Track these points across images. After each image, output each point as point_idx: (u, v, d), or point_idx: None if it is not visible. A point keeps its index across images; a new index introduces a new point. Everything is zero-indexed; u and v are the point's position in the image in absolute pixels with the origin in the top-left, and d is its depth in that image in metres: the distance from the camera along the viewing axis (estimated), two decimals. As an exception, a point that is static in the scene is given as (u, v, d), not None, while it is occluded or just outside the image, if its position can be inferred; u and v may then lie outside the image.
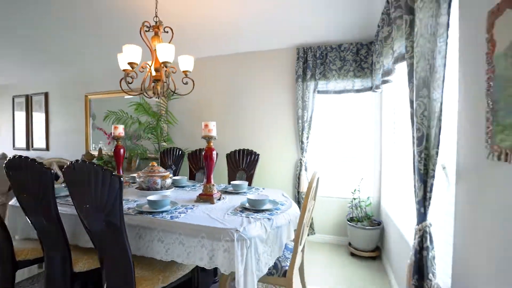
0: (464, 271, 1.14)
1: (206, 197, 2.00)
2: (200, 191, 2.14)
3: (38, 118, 5.40)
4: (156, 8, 2.28)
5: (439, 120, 1.24)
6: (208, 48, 3.60)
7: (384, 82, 2.31)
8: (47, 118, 5.29)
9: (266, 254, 1.56)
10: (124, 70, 2.07)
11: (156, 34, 2.23)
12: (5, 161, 1.66)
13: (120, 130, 2.57)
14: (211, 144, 2.03)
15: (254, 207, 1.80)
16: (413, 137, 1.36)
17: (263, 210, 1.78)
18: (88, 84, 4.74)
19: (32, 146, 5.55)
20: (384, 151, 3.06)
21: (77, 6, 2.74)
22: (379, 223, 2.94)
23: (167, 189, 2.26)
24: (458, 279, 1.20)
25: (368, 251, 2.89)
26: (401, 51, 1.69)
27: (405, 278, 1.50)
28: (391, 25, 1.97)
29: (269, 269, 1.67)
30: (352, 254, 2.99)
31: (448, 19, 1.19)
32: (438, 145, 1.24)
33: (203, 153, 2.06)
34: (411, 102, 1.38)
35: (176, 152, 3.35)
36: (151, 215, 1.62)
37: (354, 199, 3.07)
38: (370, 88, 3.07)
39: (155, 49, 2.17)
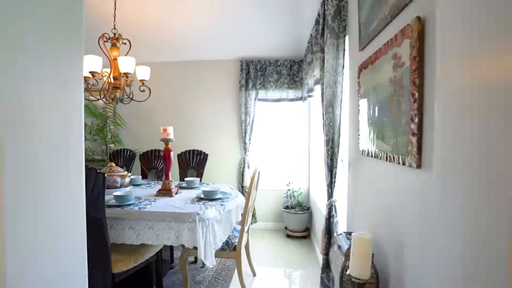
0: (353, 225, 1.75)
1: (165, 192, 2.31)
2: (156, 188, 2.46)
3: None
4: (114, 21, 2.48)
5: (339, 129, 1.84)
6: (162, 54, 3.81)
7: (309, 96, 2.95)
8: None
9: (220, 232, 1.98)
10: (85, 77, 2.24)
11: (115, 45, 2.43)
12: None
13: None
14: (169, 145, 2.36)
15: (208, 197, 2.20)
16: (324, 140, 1.95)
17: (216, 199, 2.20)
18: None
19: None
20: (311, 150, 3.75)
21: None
22: (308, 208, 3.61)
23: (125, 187, 2.49)
24: (349, 230, 1.81)
25: (300, 232, 3.53)
26: (318, 77, 2.29)
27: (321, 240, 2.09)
28: (312, 54, 2.59)
29: (222, 245, 2.09)
30: (288, 236, 3.60)
31: (343, 62, 1.79)
32: (339, 145, 1.85)
33: (161, 153, 2.37)
34: (322, 115, 1.96)
35: (126, 153, 3.50)
36: (120, 208, 1.89)
37: (289, 190, 3.69)
38: (301, 98, 3.72)
39: (114, 59, 2.39)
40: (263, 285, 2.49)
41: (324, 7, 2.00)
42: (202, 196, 2.23)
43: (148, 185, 2.78)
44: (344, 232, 1.45)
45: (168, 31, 3.30)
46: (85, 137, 3.84)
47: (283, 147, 4.01)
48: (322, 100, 2.00)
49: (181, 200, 2.14)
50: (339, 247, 1.36)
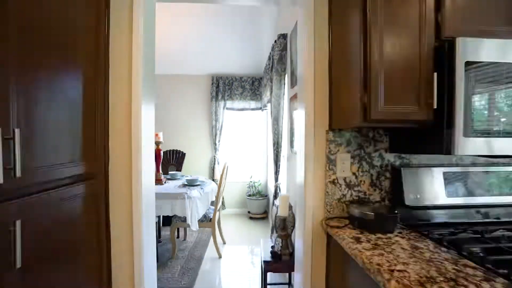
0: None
1: (157, 181, 3.07)
2: (150, 179, 3.21)
3: None
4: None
5: (281, 135, 2.78)
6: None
7: (265, 108, 3.89)
8: None
9: (201, 207, 2.82)
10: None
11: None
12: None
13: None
14: (160, 146, 3.13)
15: (190, 184, 3.02)
16: (272, 143, 2.89)
17: (196, 185, 3.03)
18: None
19: None
20: (268, 149, 4.70)
21: None
22: (266, 196, 4.56)
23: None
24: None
25: (260, 214, 4.47)
26: (268, 98, 3.23)
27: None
28: (266, 81, 3.53)
29: (202, 217, 2.93)
30: (250, 218, 4.51)
31: (283, 92, 2.74)
32: (281, 146, 2.79)
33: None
34: (272, 125, 2.90)
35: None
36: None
37: (250, 181, 4.61)
38: (260, 108, 4.66)
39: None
40: (231, 249, 3.36)
41: (273, 52, 2.94)
42: (186, 183, 3.04)
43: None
44: (281, 199, 2.39)
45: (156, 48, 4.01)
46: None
47: (246, 147, 4.92)
48: (271, 115, 2.94)
49: (171, 187, 2.94)
50: (277, 206, 2.30)
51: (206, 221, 3.03)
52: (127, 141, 1.32)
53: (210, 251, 3.24)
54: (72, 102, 1.01)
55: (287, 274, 2.24)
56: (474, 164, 1.35)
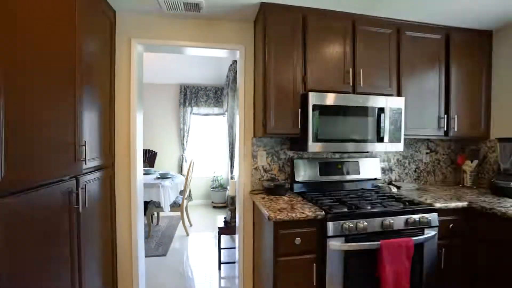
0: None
1: (134, 175, 3.76)
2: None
3: None
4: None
5: (235, 138, 3.63)
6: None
7: (226, 113, 4.71)
8: None
9: (172, 194, 3.58)
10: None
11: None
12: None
13: None
14: (136, 147, 3.81)
15: (163, 177, 3.76)
16: (228, 143, 3.73)
17: (168, 177, 3.77)
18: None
19: None
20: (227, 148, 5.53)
21: None
22: (227, 188, 5.39)
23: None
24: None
25: (222, 203, 5.28)
26: (227, 107, 4.06)
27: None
28: (226, 91, 4.35)
29: (172, 203, 3.68)
30: (214, 207, 5.32)
31: (237, 104, 3.58)
32: (235, 147, 3.64)
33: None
34: (228, 130, 3.74)
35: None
36: (112, 183, 3.31)
37: (214, 176, 5.41)
38: (222, 114, 5.47)
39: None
40: (197, 230, 4.14)
41: (229, 72, 3.78)
42: (159, 176, 3.77)
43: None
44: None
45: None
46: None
47: (210, 146, 5.70)
48: (228, 121, 3.78)
49: (147, 179, 3.65)
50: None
51: (176, 206, 3.79)
52: (126, 142, 2.07)
53: (179, 231, 4.01)
54: (97, 118, 1.75)
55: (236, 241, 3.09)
56: (332, 158, 2.31)
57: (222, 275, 2.79)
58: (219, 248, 2.87)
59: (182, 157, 5.42)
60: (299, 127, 1.89)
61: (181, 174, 5.40)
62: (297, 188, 2.17)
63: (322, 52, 1.95)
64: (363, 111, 1.93)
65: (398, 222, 1.66)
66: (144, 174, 4.22)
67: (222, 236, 3.09)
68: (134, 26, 2.07)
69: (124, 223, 2.11)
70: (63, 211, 1.30)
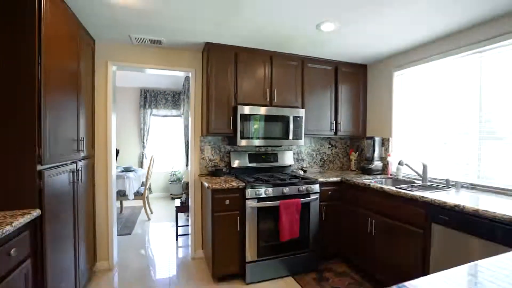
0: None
1: (100, 169, 4.32)
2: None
3: None
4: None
5: (189, 137, 4.39)
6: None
7: (183, 115, 5.42)
8: None
9: (135, 184, 4.22)
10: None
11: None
12: None
13: None
14: (102, 144, 4.37)
15: (127, 170, 4.37)
16: (184, 141, 4.48)
17: (131, 170, 4.39)
18: None
19: None
20: (183, 145, 6.23)
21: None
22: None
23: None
24: (195, 180, 4.42)
25: (179, 194, 5.97)
26: (183, 110, 4.80)
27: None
28: (184, 95, 5.07)
29: (135, 192, 4.32)
30: (172, 198, 5.98)
31: (187, 109, 4.35)
32: (189, 143, 4.40)
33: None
34: (184, 130, 4.49)
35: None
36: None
37: (173, 171, 6.07)
38: (180, 115, 6.15)
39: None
40: (158, 217, 4.80)
41: (185, 82, 4.52)
42: (123, 170, 4.37)
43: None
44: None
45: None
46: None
47: (169, 144, 6.34)
48: (184, 123, 4.52)
49: (112, 172, 4.23)
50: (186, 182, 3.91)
51: (138, 195, 4.43)
52: (104, 138, 2.74)
53: (142, 217, 4.64)
54: (85, 120, 2.41)
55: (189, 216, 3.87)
56: (259, 151, 3.23)
57: (179, 245, 3.54)
58: (176, 224, 3.62)
59: (143, 154, 5.98)
60: (232, 128, 2.75)
61: (142, 168, 5.97)
62: (232, 172, 3.03)
63: (249, 76, 2.83)
64: (276, 118, 2.86)
65: (292, 189, 2.61)
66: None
67: (178, 214, 3.84)
68: (110, 52, 2.75)
69: (102, 205, 2.77)
70: (70, 184, 1.99)
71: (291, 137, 2.92)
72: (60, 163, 1.86)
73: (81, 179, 2.22)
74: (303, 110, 3.01)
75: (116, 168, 4.68)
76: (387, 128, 3.18)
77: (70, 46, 1.99)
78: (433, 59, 2.62)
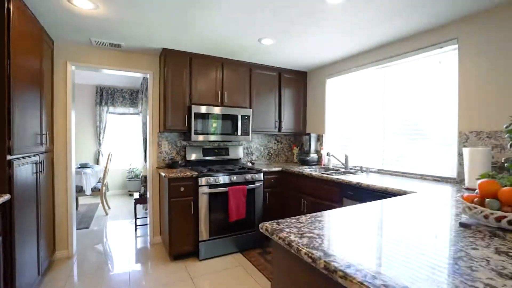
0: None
1: (55, 165, 4.34)
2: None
3: None
4: None
5: (147, 133, 4.62)
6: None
7: (141, 113, 5.58)
8: None
9: (93, 180, 4.33)
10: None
11: None
12: None
13: None
14: (56, 141, 4.39)
15: (84, 166, 4.44)
16: (142, 138, 4.68)
17: (88, 167, 4.47)
18: None
19: None
20: (141, 142, 6.35)
21: None
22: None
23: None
24: (153, 175, 4.65)
25: (137, 191, 6.08)
26: (141, 108, 4.98)
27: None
28: (142, 94, 5.24)
29: (93, 188, 4.42)
30: (130, 195, 6.08)
31: (145, 107, 4.58)
32: (146, 143, 4.63)
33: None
34: (142, 127, 4.70)
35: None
36: (36, 171, 3.89)
37: (130, 168, 6.16)
38: (138, 113, 6.26)
39: None
40: (116, 213, 4.92)
41: (143, 81, 4.72)
42: (80, 166, 4.44)
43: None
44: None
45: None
46: None
47: (127, 142, 6.40)
48: (142, 120, 4.72)
49: (67, 168, 4.29)
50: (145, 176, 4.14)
51: (96, 190, 4.53)
52: (63, 134, 2.91)
53: (99, 212, 4.73)
54: (46, 116, 2.58)
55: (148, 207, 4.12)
56: (212, 145, 3.63)
57: (138, 235, 3.78)
58: (135, 215, 3.85)
59: (99, 151, 5.98)
60: (187, 125, 3.11)
61: (98, 165, 5.97)
62: (188, 164, 3.39)
63: (202, 79, 3.21)
64: (227, 116, 3.28)
65: (239, 178, 3.05)
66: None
67: (137, 208, 4.06)
68: (69, 52, 2.92)
69: (62, 197, 2.94)
70: (34, 175, 2.19)
71: (239, 133, 3.37)
72: (26, 154, 2.07)
73: (43, 171, 2.41)
74: (251, 110, 3.47)
75: (72, 165, 4.71)
76: (321, 126, 3.78)
77: (34, 46, 2.19)
78: (353, 70, 3.26)
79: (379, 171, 2.93)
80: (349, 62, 3.31)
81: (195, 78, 3.17)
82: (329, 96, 3.70)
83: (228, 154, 3.61)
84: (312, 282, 0.88)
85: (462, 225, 1.09)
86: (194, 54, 3.17)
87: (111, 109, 6.08)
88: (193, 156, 3.38)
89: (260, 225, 1.11)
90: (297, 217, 1.21)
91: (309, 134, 3.71)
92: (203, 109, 3.14)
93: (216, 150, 3.54)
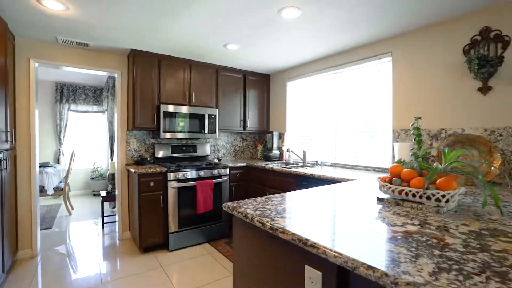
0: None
1: (13, 165, 4.18)
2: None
3: None
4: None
5: (114, 132, 4.61)
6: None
7: (106, 111, 5.50)
8: None
9: (55, 179, 4.24)
10: None
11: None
12: None
13: None
14: (14, 139, 4.22)
15: (45, 165, 4.33)
16: (108, 136, 4.67)
17: (50, 166, 4.36)
18: None
19: None
20: (107, 140, 6.25)
21: None
22: (106, 177, 6.10)
23: None
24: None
25: (102, 190, 5.97)
26: (107, 107, 4.95)
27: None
28: (107, 92, 5.19)
29: (55, 188, 4.32)
30: (94, 194, 5.95)
31: (115, 105, 4.58)
32: (114, 138, 4.62)
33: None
34: (108, 126, 4.68)
35: None
36: None
37: (94, 167, 6.03)
38: (103, 112, 6.13)
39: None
40: (79, 214, 4.83)
41: (109, 79, 4.69)
42: (40, 165, 4.31)
43: None
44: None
45: None
46: None
47: (90, 140, 6.24)
48: (108, 119, 4.70)
49: (27, 168, 4.15)
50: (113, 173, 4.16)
51: (58, 190, 4.43)
52: (26, 131, 2.89)
53: (61, 213, 4.63)
54: (9, 114, 2.57)
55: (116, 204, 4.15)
56: (180, 143, 3.79)
57: (106, 232, 3.81)
58: (102, 213, 3.87)
59: (59, 150, 5.78)
60: (155, 124, 3.24)
61: (59, 164, 5.76)
62: (157, 161, 3.52)
63: (171, 80, 3.36)
64: (194, 115, 3.47)
65: (207, 173, 3.26)
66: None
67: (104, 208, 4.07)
68: (33, 49, 2.91)
69: (25, 196, 2.91)
70: (-1, 170, 2.22)
71: (207, 131, 3.57)
72: (-7, 151, 2.10)
73: (7, 168, 2.42)
74: (217, 109, 3.69)
75: (31, 164, 4.55)
76: (283, 125, 4.12)
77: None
78: (310, 74, 3.62)
79: (332, 164, 3.32)
80: (307, 67, 3.67)
81: (164, 78, 3.31)
82: (289, 98, 4.04)
83: (196, 151, 3.79)
84: (262, 241, 1.15)
85: (379, 199, 1.44)
86: (163, 56, 3.31)
87: (73, 106, 5.89)
88: (161, 153, 3.51)
89: (223, 204, 1.35)
90: (254, 198, 1.47)
91: (272, 132, 4.02)
92: (172, 108, 3.29)
93: (184, 147, 3.70)
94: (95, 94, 6.10)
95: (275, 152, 4.00)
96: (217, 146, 4.16)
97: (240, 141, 4.42)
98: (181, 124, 3.37)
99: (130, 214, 3.40)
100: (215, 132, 3.65)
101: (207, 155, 3.92)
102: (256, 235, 1.19)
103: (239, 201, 1.40)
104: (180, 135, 3.36)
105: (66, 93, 5.78)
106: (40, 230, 3.80)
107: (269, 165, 3.43)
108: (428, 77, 2.40)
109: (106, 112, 5.44)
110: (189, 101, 3.50)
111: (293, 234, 0.93)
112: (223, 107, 3.81)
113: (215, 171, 3.32)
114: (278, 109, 4.22)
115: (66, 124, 5.81)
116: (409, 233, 0.92)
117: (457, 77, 2.21)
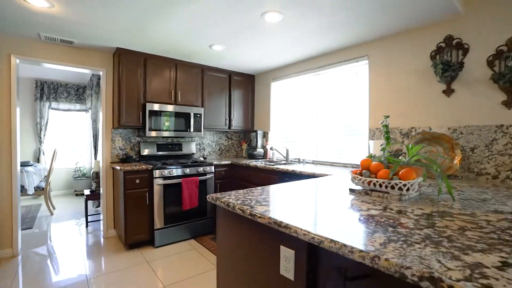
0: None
1: None
2: None
3: None
4: None
5: (98, 130, 4.58)
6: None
7: (90, 110, 5.43)
8: None
9: (36, 178, 4.16)
10: None
11: None
12: None
13: None
14: (-8, 137, 4.12)
15: (25, 164, 4.24)
16: (92, 134, 4.63)
17: (30, 165, 4.28)
18: None
19: None
20: (90, 139, 6.16)
21: None
22: (89, 177, 6.03)
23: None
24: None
25: (85, 189, 5.89)
26: (91, 105, 4.90)
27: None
28: (91, 90, 5.13)
29: (35, 187, 4.25)
30: (76, 194, 5.85)
31: (99, 103, 4.54)
32: (98, 137, 4.58)
33: None
34: (91, 124, 4.64)
35: None
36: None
37: (77, 166, 5.93)
38: (86, 110, 6.04)
39: None
40: (60, 214, 4.76)
41: (93, 77, 4.66)
42: (20, 164, 4.23)
43: None
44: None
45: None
46: None
47: (73, 139, 6.13)
48: (91, 117, 4.66)
49: (6, 166, 4.07)
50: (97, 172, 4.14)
51: (39, 190, 4.35)
52: (6, 130, 2.86)
53: (42, 213, 4.55)
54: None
55: (101, 202, 4.14)
56: (165, 141, 3.84)
57: (90, 231, 3.79)
58: (86, 212, 3.85)
59: (39, 150, 5.65)
60: (141, 122, 3.28)
61: (39, 163, 5.64)
62: (142, 159, 3.55)
63: (157, 79, 3.40)
64: (180, 114, 3.52)
65: (192, 170, 3.33)
66: None
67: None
68: (13, 45, 2.88)
69: (5, 194, 2.88)
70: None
71: (192, 130, 3.64)
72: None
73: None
74: (203, 108, 3.76)
75: (10, 163, 4.44)
76: (267, 124, 4.24)
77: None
78: (294, 76, 3.76)
79: (314, 162, 3.47)
80: (290, 68, 3.81)
81: (150, 77, 3.35)
82: (273, 97, 4.17)
83: (181, 150, 3.84)
84: (243, 229, 1.25)
85: (351, 190, 1.57)
86: (149, 55, 3.35)
87: (54, 104, 5.77)
88: (147, 151, 3.55)
89: (207, 196, 1.45)
90: (236, 190, 1.58)
91: (256, 131, 4.14)
92: (157, 107, 3.34)
93: (170, 146, 3.75)
94: (77, 92, 6.00)
95: (260, 150, 4.11)
96: (202, 145, 4.23)
97: (225, 139, 4.51)
98: (167, 123, 3.42)
99: (115, 211, 3.41)
100: (200, 131, 3.72)
101: (193, 154, 3.98)
102: (237, 222, 1.29)
103: (223, 192, 1.50)
104: (165, 134, 3.41)
105: (46, 90, 5.66)
106: (22, 230, 3.74)
107: (253, 162, 3.54)
108: (400, 80, 2.59)
109: (90, 110, 5.37)
110: (175, 100, 3.56)
111: (269, 218, 1.04)
112: (208, 106, 3.89)
113: (201, 169, 3.40)
114: (262, 109, 4.33)
115: (46, 123, 5.69)
116: (372, 216, 1.06)
117: (425, 80, 2.40)
